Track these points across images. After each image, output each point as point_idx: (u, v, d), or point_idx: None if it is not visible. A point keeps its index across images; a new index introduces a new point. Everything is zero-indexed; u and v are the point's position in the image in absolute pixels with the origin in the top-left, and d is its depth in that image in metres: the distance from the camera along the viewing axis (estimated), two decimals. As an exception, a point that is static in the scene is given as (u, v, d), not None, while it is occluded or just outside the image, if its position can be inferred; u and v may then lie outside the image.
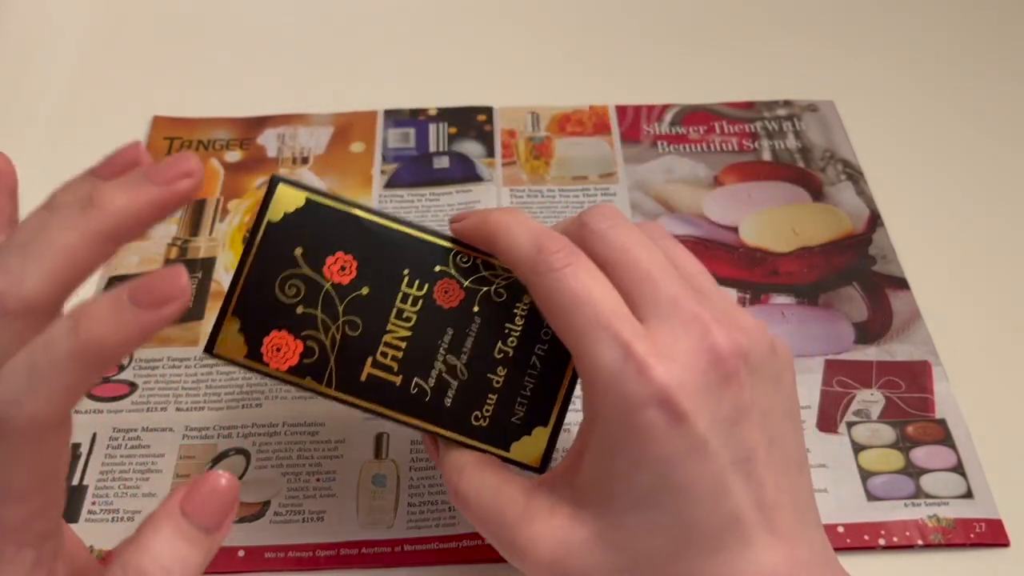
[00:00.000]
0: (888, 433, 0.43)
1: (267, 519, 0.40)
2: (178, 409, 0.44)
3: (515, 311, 0.33)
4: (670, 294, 0.29)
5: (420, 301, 0.33)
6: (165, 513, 0.25)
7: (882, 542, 0.39)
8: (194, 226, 0.51)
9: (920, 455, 0.42)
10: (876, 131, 0.57)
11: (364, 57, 0.62)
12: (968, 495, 0.40)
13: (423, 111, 0.57)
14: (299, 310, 0.33)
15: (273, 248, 0.33)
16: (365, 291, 0.33)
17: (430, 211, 0.52)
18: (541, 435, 0.33)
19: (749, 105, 0.58)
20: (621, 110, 0.58)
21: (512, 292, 0.33)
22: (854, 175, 0.54)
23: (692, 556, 0.28)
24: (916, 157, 0.56)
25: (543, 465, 0.33)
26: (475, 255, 0.33)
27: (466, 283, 0.33)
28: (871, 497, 0.40)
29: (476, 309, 0.33)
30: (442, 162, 0.55)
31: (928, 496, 0.40)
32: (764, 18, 0.65)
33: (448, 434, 0.33)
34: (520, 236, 0.31)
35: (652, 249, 0.30)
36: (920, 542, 0.39)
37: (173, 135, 0.57)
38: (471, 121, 0.57)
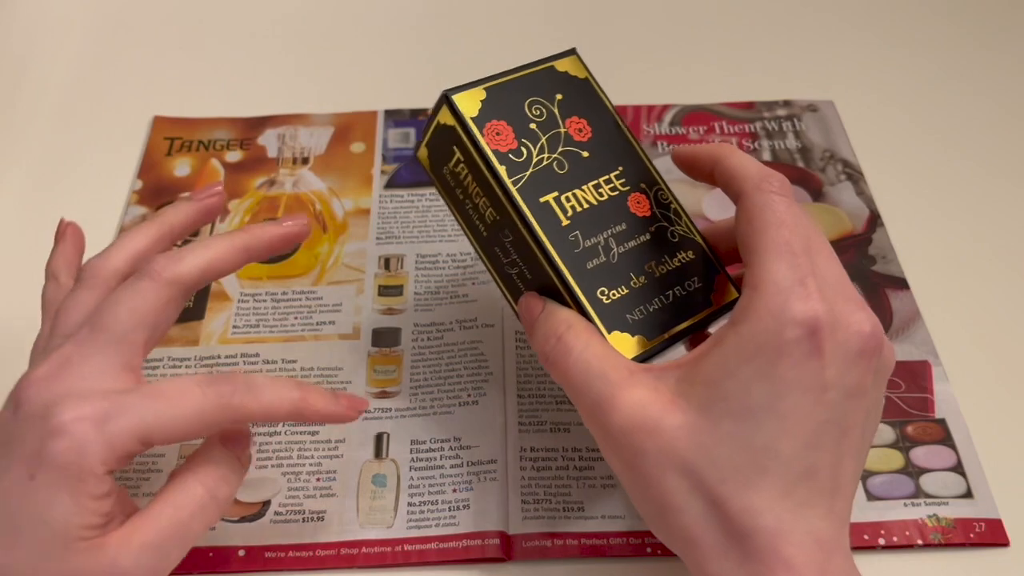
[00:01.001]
0: (888, 433, 0.43)
1: (267, 519, 0.40)
2: (178, 409, 0.44)
3: (678, 254, 0.37)
4: (834, 270, 0.32)
5: (617, 191, 0.37)
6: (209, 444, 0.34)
7: (882, 542, 0.39)
8: (194, 226, 0.51)
9: (920, 455, 0.42)
10: (876, 131, 0.57)
11: (364, 57, 0.62)
12: (968, 495, 0.40)
13: (423, 111, 0.58)
14: (531, 125, 0.36)
15: (543, 81, 0.37)
16: (585, 154, 0.37)
17: (430, 211, 0.52)
18: (640, 343, 0.34)
19: (749, 105, 0.58)
20: (621, 110, 0.58)
21: (683, 242, 0.37)
22: (854, 175, 0.54)
23: (764, 488, 0.29)
24: (916, 157, 0.56)
25: None
26: (673, 200, 0.38)
27: (656, 210, 0.37)
28: (871, 497, 0.40)
29: (652, 229, 0.37)
30: (442, 162, 0.55)
31: (928, 496, 0.40)
32: (764, 18, 0.65)
33: (575, 286, 0.34)
34: (752, 165, 0.34)
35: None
36: (920, 542, 0.39)
37: (173, 135, 0.57)
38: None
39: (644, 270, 0.36)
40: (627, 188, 0.37)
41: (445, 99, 0.36)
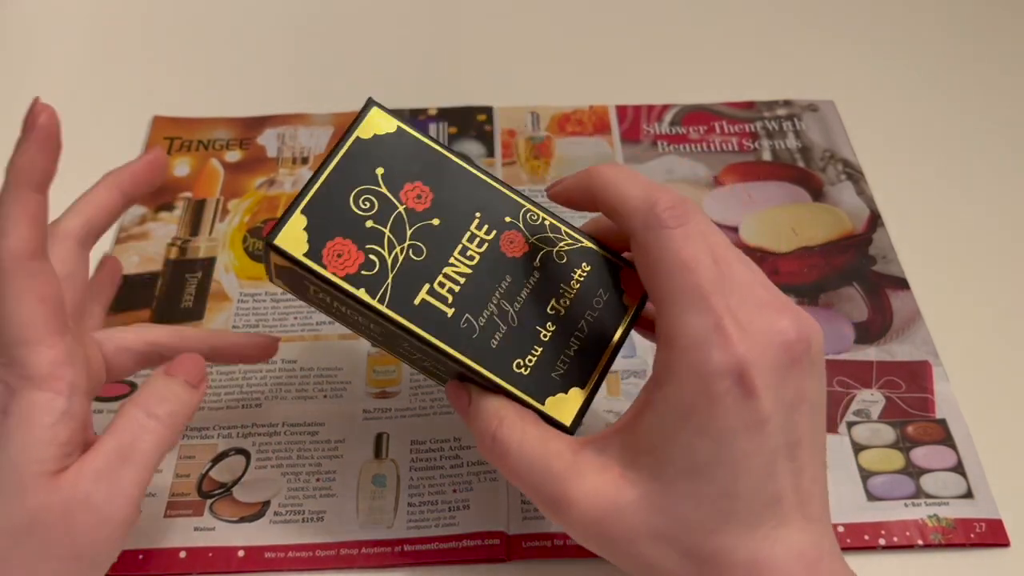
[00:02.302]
0: (888, 433, 0.43)
1: (267, 519, 0.40)
2: (178, 409, 0.43)
3: (573, 275, 0.34)
4: (746, 278, 0.30)
5: (486, 244, 0.34)
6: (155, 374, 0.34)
7: (882, 542, 0.39)
8: (194, 226, 0.51)
9: (920, 455, 0.42)
10: (876, 131, 0.57)
11: (364, 57, 0.62)
12: (968, 495, 0.40)
13: (423, 111, 0.57)
14: (368, 224, 0.33)
15: (356, 161, 0.34)
16: (436, 222, 0.34)
17: (430, 211, 0.52)
18: (577, 396, 0.33)
19: (749, 105, 0.58)
20: (621, 110, 0.58)
21: (573, 256, 0.34)
22: (854, 175, 0.54)
23: (731, 529, 0.29)
24: (916, 157, 0.56)
25: (573, 426, 0.33)
26: (544, 216, 0.35)
27: (532, 239, 0.34)
28: (871, 497, 0.40)
29: (537, 264, 0.34)
30: (442, 162, 0.55)
31: (928, 496, 0.40)
32: (764, 18, 0.65)
33: (488, 374, 0.33)
34: (632, 188, 0.31)
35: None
36: (920, 542, 0.39)
37: (173, 135, 0.57)
38: (471, 121, 0.57)
39: (548, 315, 0.34)
40: (493, 234, 0.34)
41: (268, 247, 0.33)
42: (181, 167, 0.55)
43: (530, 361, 0.33)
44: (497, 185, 0.35)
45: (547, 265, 0.34)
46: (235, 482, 0.41)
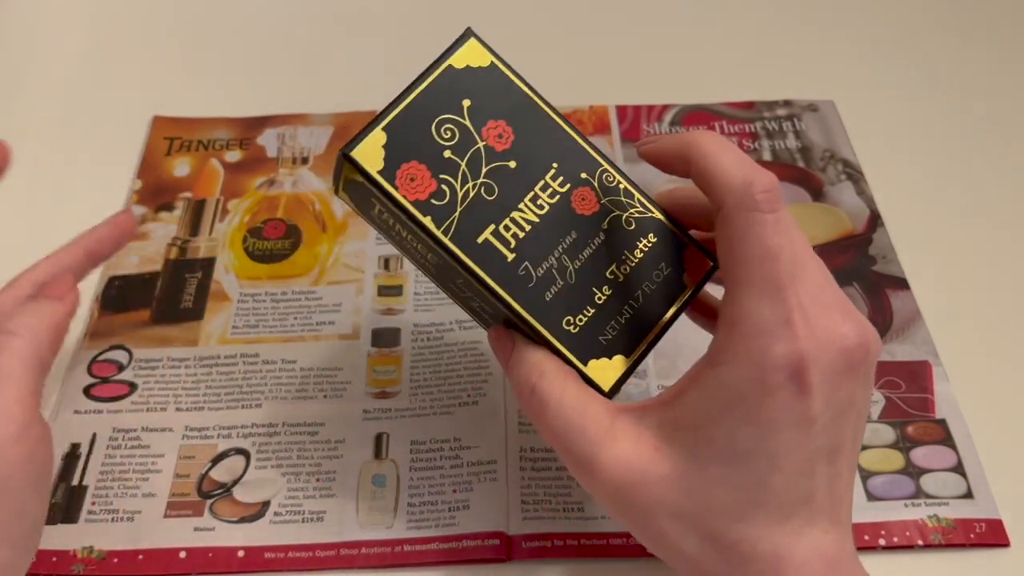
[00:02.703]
0: (888, 433, 0.43)
1: (267, 519, 0.40)
2: (178, 409, 0.44)
3: (638, 243, 0.34)
4: (819, 278, 0.30)
5: (558, 196, 0.33)
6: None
7: (882, 542, 0.39)
8: (194, 226, 0.51)
9: (920, 455, 0.42)
10: (876, 131, 0.57)
11: (364, 57, 0.62)
12: (968, 495, 0.40)
13: (423, 111, 0.57)
14: (446, 153, 0.33)
15: (444, 89, 0.33)
16: (512, 164, 0.33)
17: (430, 211, 0.52)
18: (620, 364, 0.33)
19: (749, 105, 0.58)
20: (621, 110, 0.58)
21: (642, 225, 0.34)
22: (854, 175, 0.54)
23: (759, 520, 0.29)
24: (916, 157, 0.56)
25: (612, 392, 0.33)
26: (620, 180, 0.34)
27: (604, 199, 0.34)
28: (871, 497, 0.40)
29: (605, 226, 0.34)
30: (442, 162, 0.55)
31: (928, 496, 0.40)
32: (764, 18, 0.65)
33: (537, 325, 0.32)
34: (732, 163, 0.30)
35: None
36: (920, 542, 0.39)
37: (173, 135, 0.56)
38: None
39: (606, 278, 0.33)
40: (567, 187, 0.34)
41: (344, 157, 0.32)
42: (181, 167, 0.55)
43: (580, 320, 0.33)
44: (580, 140, 0.34)
45: (614, 229, 0.34)
46: (235, 482, 0.41)
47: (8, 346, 0.33)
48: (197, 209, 0.52)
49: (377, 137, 0.32)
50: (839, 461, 0.30)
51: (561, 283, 0.33)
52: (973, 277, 0.49)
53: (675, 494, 0.29)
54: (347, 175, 0.33)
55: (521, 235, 0.33)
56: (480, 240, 0.32)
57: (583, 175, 0.34)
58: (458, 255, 0.32)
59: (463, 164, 0.33)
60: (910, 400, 0.44)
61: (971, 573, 0.39)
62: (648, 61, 0.62)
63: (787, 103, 0.58)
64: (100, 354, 0.46)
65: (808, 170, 0.54)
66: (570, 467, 0.32)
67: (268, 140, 0.56)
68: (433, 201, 0.32)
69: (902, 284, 0.48)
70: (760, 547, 0.29)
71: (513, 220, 0.33)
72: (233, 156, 0.55)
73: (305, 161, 0.55)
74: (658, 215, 0.34)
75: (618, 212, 0.34)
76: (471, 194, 0.32)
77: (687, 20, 0.65)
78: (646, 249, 0.34)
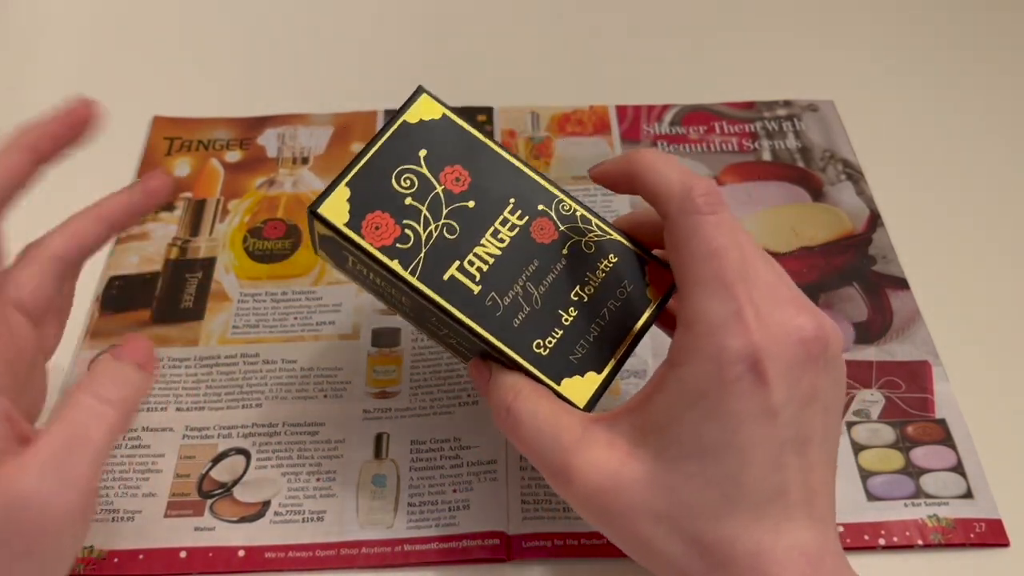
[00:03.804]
0: (888, 433, 0.43)
1: (267, 519, 0.40)
2: (178, 409, 0.44)
3: (599, 264, 0.35)
4: (770, 276, 0.31)
5: (517, 228, 0.35)
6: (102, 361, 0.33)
7: (882, 542, 0.39)
8: (194, 226, 0.51)
9: (920, 455, 0.42)
10: (876, 131, 0.57)
11: (364, 57, 0.62)
12: (968, 495, 0.40)
13: (423, 111, 0.57)
14: (407, 201, 0.35)
15: (401, 143, 0.35)
16: (471, 204, 0.35)
17: (430, 211, 0.52)
18: (593, 380, 0.34)
19: (749, 105, 0.58)
20: (621, 110, 0.58)
21: (601, 247, 0.36)
22: (854, 175, 0.54)
23: (735, 516, 0.29)
24: (916, 157, 0.56)
25: (588, 407, 0.34)
26: (576, 207, 0.36)
27: (562, 227, 0.36)
28: (871, 497, 0.40)
29: (565, 252, 0.35)
30: (442, 162, 0.55)
31: (928, 496, 0.40)
32: (764, 18, 0.65)
33: (508, 351, 0.34)
34: (671, 174, 0.32)
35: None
36: (920, 542, 0.39)
37: (173, 135, 0.57)
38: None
39: (572, 300, 0.35)
40: (525, 219, 0.35)
41: (312, 215, 0.34)
42: (181, 167, 0.55)
43: (550, 343, 0.34)
44: (533, 175, 0.36)
45: (574, 253, 0.35)
46: (235, 482, 0.41)
47: (103, 417, 0.31)
48: (197, 209, 0.52)
49: (341, 193, 0.34)
50: (810, 453, 0.30)
51: (528, 309, 0.34)
52: (973, 277, 0.49)
53: (650, 496, 0.30)
54: (318, 231, 0.35)
55: (485, 268, 0.34)
56: (446, 277, 0.34)
57: (540, 207, 0.36)
58: (426, 293, 0.34)
59: (424, 209, 0.35)
60: (910, 400, 0.44)
61: (971, 573, 0.39)
62: (648, 61, 0.62)
63: (787, 103, 0.58)
64: (101, 354, 0.46)
65: (808, 170, 0.54)
66: (547, 478, 0.32)
67: (268, 140, 0.56)
68: (399, 245, 0.34)
69: (902, 284, 0.49)
70: (740, 547, 0.29)
71: (476, 255, 0.35)
72: (233, 156, 0.55)
73: (305, 161, 0.55)
74: (616, 236, 0.36)
75: (577, 237, 0.36)
76: (434, 235, 0.34)
77: (687, 20, 0.65)
78: (607, 269, 0.35)
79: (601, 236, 0.36)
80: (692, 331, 0.30)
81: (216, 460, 0.42)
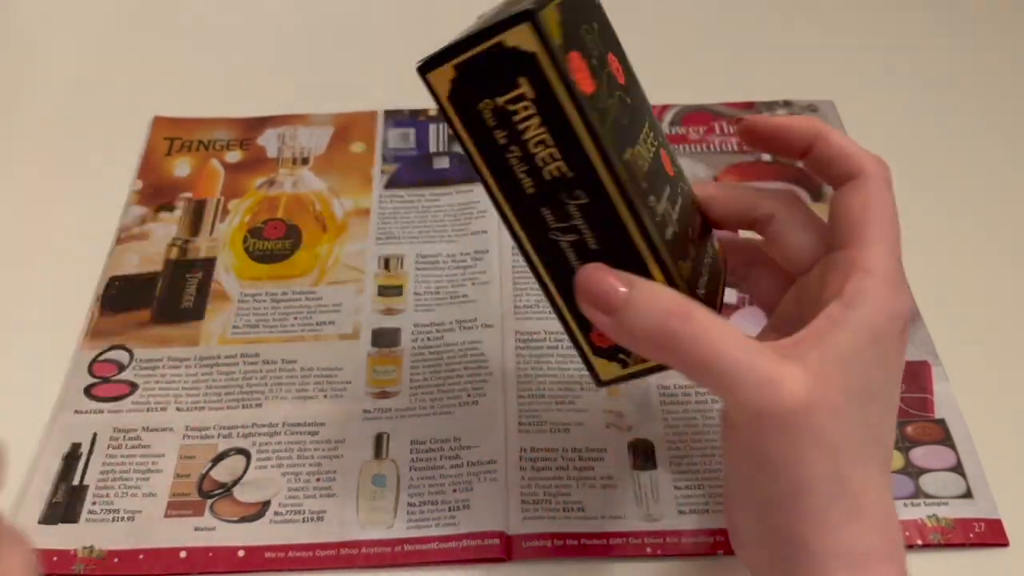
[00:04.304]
0: (888, 433, 0.43)
1: (267, 519, 0.40)
2: (178, 409, 0.44)
3: (695, 214, 0.34)
4: None
5: (653, 148, 0.32)
6: None
7: (882, 542, 0.39)
8: (194, 226, 0.51)
9: (919, 455, 0.42)
10: (876, 131, 0.57)
11: (364, 57, 0.62)
12: (967, 495, 0.40)
13: (423, 111, 0.58)
14: (594, 60, 0.29)
15: (580, 7, 0.30)
16: (629, 101, 0.31)
17: (430, 211, 0.52)
18: None
19: (749, 105, 0.58)
20: (621, 110, 0.58)
21: (693, 199, 0.35)
22: (854, 175, 0.54)
23: (871, 467, 0.30)
24: (916, 157, 0.56)
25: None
26: (675, 156, 0.34)
27: (675, 167, 0.34)
28: (871, 497, 0.40)
29: (679, 190, 0.33)
30: (442, 162, 0.55)
31: (927, 496, 0.40)
32: (764, 18, 0.65)
33: (668, 261, 0.30)
34: (855, 143, 0.35)
35: None
36: (919, 542, 0.39)
37: (173, 135, 0.57)
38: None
39: (690, 237, 0.32)
40: (656, 144, 0.32)
41: (528, 16, 0.26)
42: (181, 167, 0.55)
43: (685, 271, 0.31)
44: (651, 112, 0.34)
45: (685, 197, 0.34)
46: (235, 482, 0.41)
47: None
48: (197, 209, 0.52)
49: (555, 8, 0.28)
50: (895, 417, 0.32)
51: (672, 228, 0.31)
52: (973, 277, 0.49)
53: (833, 426, 0.29)
54: (508, 42, 0.27)
55: (644, 168, 0.30)
56: (626, 156, 0.29)
57: (661, 137, 0.33)
58: (613, 163, 0.28)
59: (604, 77, 0.29)
60: (909, 400, 0.44)
61: (970, 573, 0.39)
62: (648, 61, 0.62)
63: (787, 103, 0.58)
64: (100, 354, 0.46)
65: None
66: (736, 391, 0.29)
67: (268, 140, 0.56)
68: (592, 99, 0.28)
69: (902, 284, 0.48)
70: (873, 497, 0.30)
71: (637, 151, 0.30)
72: (233, 156, 0.55)
73: (305, 161, 0.55)
74: (695, 197, 0.35)
75: (684, 184, 0.34)
76: (613, 109, 0.29)
77: (687, 20, 0.65)
78: (699, 221, 0.35)
79: (690, 190, 0.34)
80: (874, 278, 0.30)
81: (216, 460, 0.42)
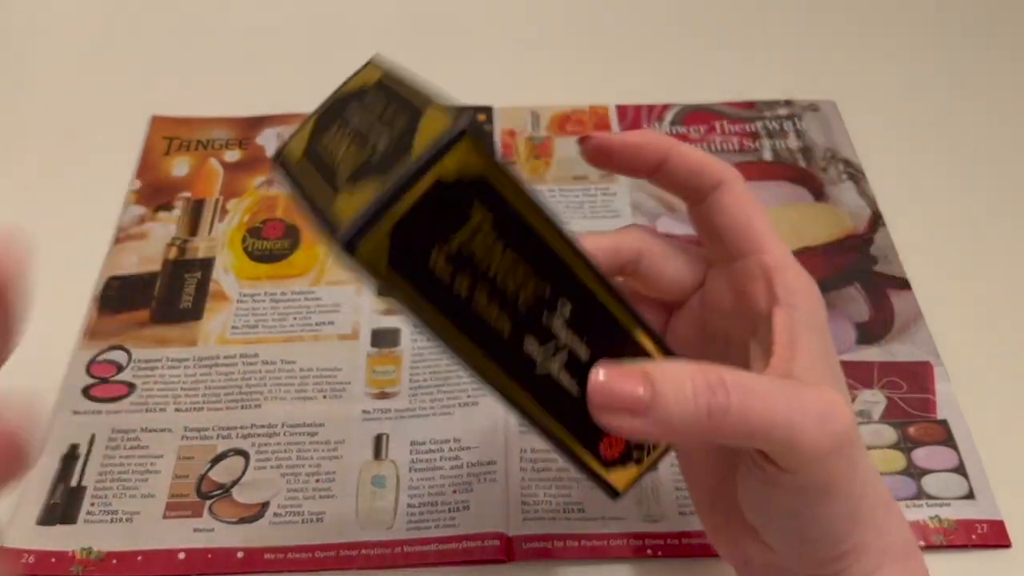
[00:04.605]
0: (889, 434, 0.42)
1: (266, 520, 0.40)
2: (177, 410, 0.43)
3: None
4: None
5: None
6: None
7: (883, 543, 0.39)
8: (193, 226, 0.51)
9: (921, 456, 0.42)
10: (878, 131, 0.57)
11: (364, 57, 0.62)
12: (970, 496, 0.40)
13: (423, 111, 0.57)
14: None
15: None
16: None
17: (430, 211, 0.52)
18: (633, 469, 0.32)
19: (750, 105, 0.58)
20: (621, 110, 0.58)
21: None
22: (855, 175, 0.54)
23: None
24: (917, 157, 0.56)
25: (622, 493, 0.32)
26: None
27: None
28: (872, 498, 0.40)
29: None
30: (442, 162, 0.55)
31: (930, 497, 0.40)
32: (765, 18, 0.65)
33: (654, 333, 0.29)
34: (706, 154, 0.33)
35: None
36: (922, 543, 0.39)
37: (172, 135, 0.56)
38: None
39: None
40: None
41: (460, 135, 0.23)
42: (180, 167, 0.55)
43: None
44: None
45: None
46: (234, 483, 0.41)
47: None
48: (196, 209, 0.52)
49: (446, 113, 0.24)
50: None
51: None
52: (974, 277, 0.49)
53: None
54: (451, 168, 0.23)
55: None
56: (572, 234, 0.27)
57: None
58: (582, 251, 0.26)
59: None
60: (911, 401, 0.44)
61: (973, 574, 0.38)
62: (648, 61, 0.62)
63: (788, 103, 0.58)
64: (99, 354, 0.45)
65: (809, 170, 0.54)
66: (796, 436, 0.27)
67: (267, 140, 0.56)
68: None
69: (903, 284, 0.48)
70: (881, 490, 0.30)
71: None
72: (232, 156, 0.55)
73: (305, 161, 0.55)
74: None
75: None
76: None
77: (687, 20, 0.65)
78: None
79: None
80: (790, 272, 0.31)
81: (215, 461, 0.42)
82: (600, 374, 0.27)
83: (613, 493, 0.31)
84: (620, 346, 0.29)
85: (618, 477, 0.31)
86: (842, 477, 0.28)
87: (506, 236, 0.24)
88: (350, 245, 0.22)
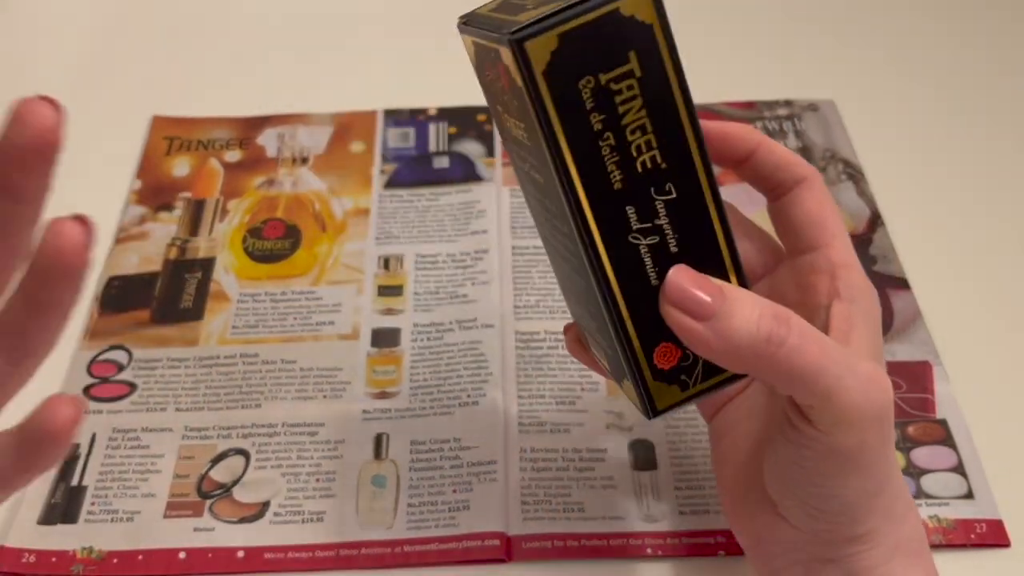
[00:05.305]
0: (889, 433, 0.43)
1: (266, 520, 0.40)
2: (177, 409, 0.43)
3: None
4: None
5: None
6: None
7: (883, 543, 0.39)
8: (194, 226, 0.51)
9: (921, 455, 0.42)
10: (877, 131, 0.57)
11: (364, 57, 0.62)
12: (969, 496, 0.40)
13: (423, 111, 0.57)
14: None
15: None
16: None
17: (430, 211, 0.52)
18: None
19: (749, 105, 0.58)
20: (621, 110, 0.58)
21: None
22: (855, 175, 0.54)
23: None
24: (917, 157, 0.56)
25: (659, 411, 0.31)
26: None
27: None
28: (872, 498, 0.40)
29: None
30: (442, 162, 0.55)
31: (929, 497, 0.40)
32: (764, 18, 0.65)
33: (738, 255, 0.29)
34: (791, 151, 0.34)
35: None
36: (921, 543, 0.39)
37: (172, 135, 0.56)
38: (471, 121, 0.57)
39: None
40: None
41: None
42: (180, 167, 0.55)
43: None
44: None
45: None
46: (235, 482, 0.41)
47: None
48: (197, 209, 0.52)
49: None
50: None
51: None
52: (973, 277, 0.49)
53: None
54: (620, 8, 0.25)
55: None
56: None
57: None
58: (708, 159, 0.28)
59: None
60: (911, 400, 0.44)
61: (972, 573, 0.39)
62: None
63: (787, 103, 0.58)
64: (99, 354, 0.46)
65: (808, 170, 0.54)
66: (838, 392, 0.27)
67: (268, 140, 0.56)
68: None
69: (902, 284, 0.48)
70: (903, 486, 0.32)
71: None
72: (233, 156, 0.55)
73: (305, 161, 0.55)
74: None
75: None
76: None
77: (687, 20, 0.65)
78: None
79: None
80: (854, 271, 0.32)
81: (215, 460, 0.42)
82: (680, 270, 0.28)
83: (649, 410, 0.30)
84: (706, 256, 0.28)
85: (661, 392, 0.30)
86: (872, 450, 0.29)
87: (648, 95, 0.26)
88: (520, 40, 0.24)
